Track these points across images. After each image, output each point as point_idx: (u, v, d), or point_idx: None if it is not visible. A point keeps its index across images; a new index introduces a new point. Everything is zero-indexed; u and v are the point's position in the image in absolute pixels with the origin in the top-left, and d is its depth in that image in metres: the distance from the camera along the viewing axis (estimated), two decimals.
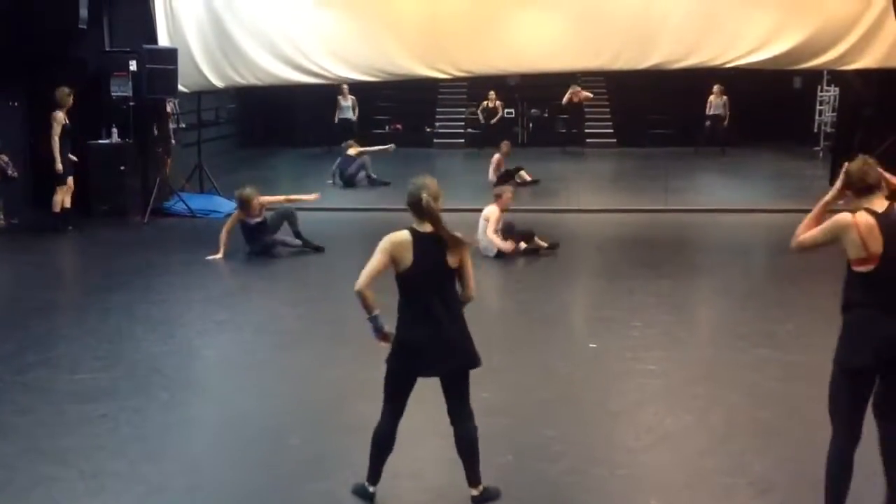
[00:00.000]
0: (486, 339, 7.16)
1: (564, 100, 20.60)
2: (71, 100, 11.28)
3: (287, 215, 10.33)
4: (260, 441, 5.19)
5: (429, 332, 4.16)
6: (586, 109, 21.69)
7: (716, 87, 19.93)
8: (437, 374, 4.26)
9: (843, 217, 4.07)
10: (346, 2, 13.15)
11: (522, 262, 9.77)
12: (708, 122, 20.38)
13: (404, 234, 4.16)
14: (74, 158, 11.61)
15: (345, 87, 18.85)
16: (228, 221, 10.17)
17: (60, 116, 11.17)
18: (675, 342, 7.04)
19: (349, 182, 15.62)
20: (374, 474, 4.40)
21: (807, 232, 4.30)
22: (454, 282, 4.25)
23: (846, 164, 4.17)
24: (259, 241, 10.06)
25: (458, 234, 4.20)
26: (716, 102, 20.21)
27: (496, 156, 15.70)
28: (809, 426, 5.35)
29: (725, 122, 20.20)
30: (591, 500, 4.53)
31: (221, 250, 9.90)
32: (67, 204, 11.52)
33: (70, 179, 11.47)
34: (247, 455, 5.04)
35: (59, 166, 11.16)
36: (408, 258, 4.13)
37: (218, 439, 5.37)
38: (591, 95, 20.79)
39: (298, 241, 10.24)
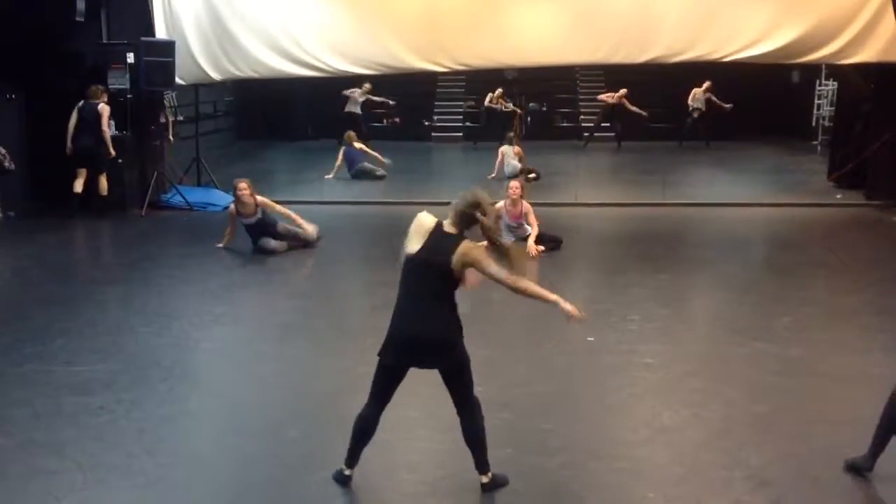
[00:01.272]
0: (483, 332, 7.19)
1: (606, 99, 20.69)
2: (107, 96, 11.97)
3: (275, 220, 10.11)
4: (258, 433, 5.19)
5: (408, 325, 4.24)
6: (582, 104, 21.71)
7: (706, 84, 19.89)
8: (412, 366, 4.32)
9: None
10: None
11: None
12: (689, 119, 20.41)
13: (430, 220, 4.29)
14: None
15: (367, 85, 18.92)
16: (229, 225, 10.03)
17: (107, 108, 11.87)
18: (672, 336, 7.05)
19: (358, 174, 15.60)
20: (352, 458, 4.45)
21: None
22: (448, 283, 4.26)
23: None
24: (257, 240, 9.93)
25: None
26: (700, 97, 20.16)
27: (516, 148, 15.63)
28: (807, 420, 5.37)
29: (696, 114, 20.14)
30: (588, 493, 4.54)
31: (224, 240, 9.94)
32: (105, 191, 12.00)
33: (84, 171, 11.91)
34: (245, 447, 5.04)
35: (113, 152, 11.89)
36: (411, 245, 4.24)
37: (216, 432, 5.37)
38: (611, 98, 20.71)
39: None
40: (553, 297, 4.35)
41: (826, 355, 6.50)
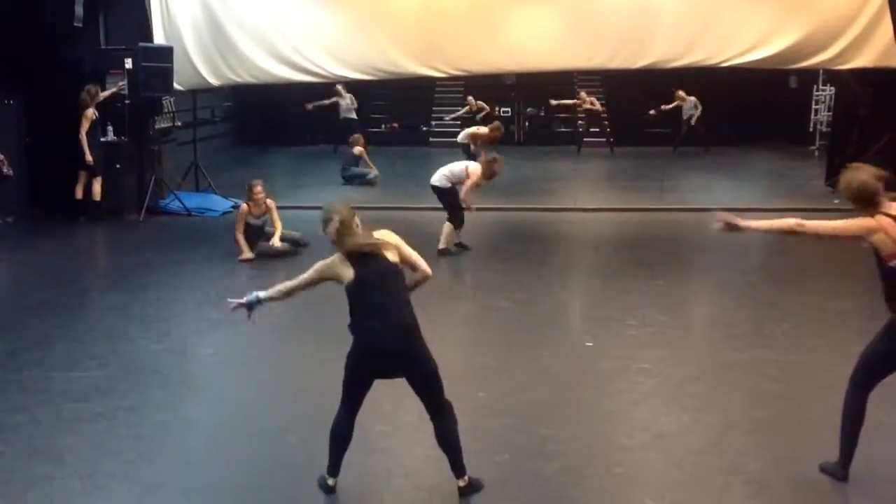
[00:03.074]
0: (481, 338, 7.22)
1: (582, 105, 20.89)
2: (99, 96, 11.96)
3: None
4: (257, 439, 5.19)
5: (375, 334, 4.25)
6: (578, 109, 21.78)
7: (680, 92, 19.98)
8: (387, 376, 4.37)
9: (867, 221, 4.33)
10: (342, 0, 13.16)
11: (518, 260, 9.77)
12: (684, 128, 20.44)
13: (334, 257, 4.44)
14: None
15: (339, 86, 18.83)
16: (237, 223, 9.96)
17: (90, 113, 11.82)
18: (670, 341, 7.05)
19: (350, 179, 15.65)
20: (334, 467, 4.47)
21: (817, 222, 4.48)
22: (400, 282, 4.36)
23: (843, 180, 4.44)
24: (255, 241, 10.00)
25: (375, 241, 4.37)
26: (690, 104, 20.22)
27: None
28: (805, 425, 5.38)
29: (693, 122, 20.19)
30: (586, 498, 4.54)
31: (245, 251, 9.82)
32: (97, 196, 12.05)
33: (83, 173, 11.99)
34: (243, 453, 5.04)
35: (89, 158, 11.81)
36: (347, 273, 4.33)
37: (214, 438, 5.37)
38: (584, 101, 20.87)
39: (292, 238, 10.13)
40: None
41: (824, 360, 6.50)
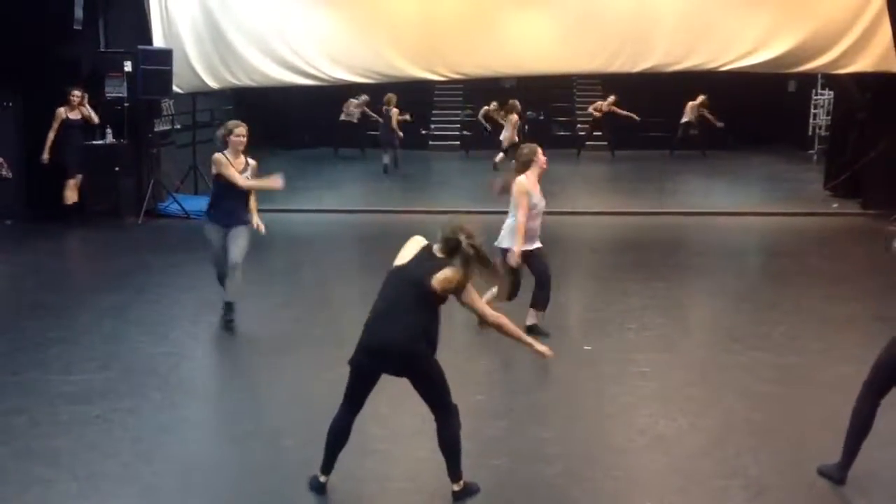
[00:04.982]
0: (480, 341, 7.20)
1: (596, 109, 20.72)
2: (76, 98, 11.79)
3: None
4: (253, 443, 5.18)
5: (375, 332, 4.30)
6: (579, 112, 21.76)
7: (700, 98, 19.95)
8: (376, 370, 4.38)
9: None
10: (342, 3, 13.16)
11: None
12: (679, 131, 20.44)
13: (421, 241, 4.45)
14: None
15: (390, 95, 18.62)
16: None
17: (59, 112, 11.72)
18: (669, 344, 7.05)
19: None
20: (327, 465, 4.49)
21: None
22: (422, 300, 4.28)
23: None
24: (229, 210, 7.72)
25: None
26: (691, 111, 20.23)
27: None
28: (804, 428, 5.37)
29: (693, 130, 20.22)
30: (585, 501, 4.53)
31: None
32: (74, 198, 11.91)
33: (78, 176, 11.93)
34: (240, 457, 5.03)
35: (45, 156, 11.64)
36: (403, 259, 4.38)
37: (212, 440, 5.36)
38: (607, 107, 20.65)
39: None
40: (528, 339, 4.64)
41: (822, 363, 6.51)
